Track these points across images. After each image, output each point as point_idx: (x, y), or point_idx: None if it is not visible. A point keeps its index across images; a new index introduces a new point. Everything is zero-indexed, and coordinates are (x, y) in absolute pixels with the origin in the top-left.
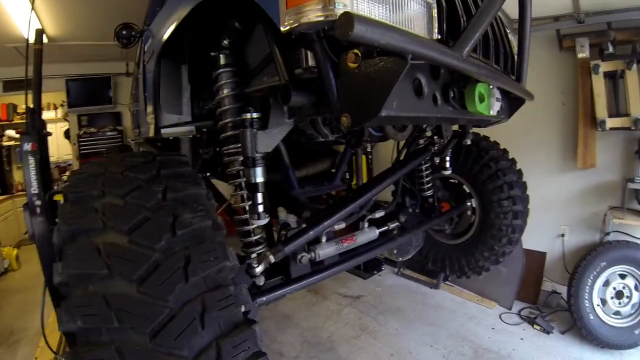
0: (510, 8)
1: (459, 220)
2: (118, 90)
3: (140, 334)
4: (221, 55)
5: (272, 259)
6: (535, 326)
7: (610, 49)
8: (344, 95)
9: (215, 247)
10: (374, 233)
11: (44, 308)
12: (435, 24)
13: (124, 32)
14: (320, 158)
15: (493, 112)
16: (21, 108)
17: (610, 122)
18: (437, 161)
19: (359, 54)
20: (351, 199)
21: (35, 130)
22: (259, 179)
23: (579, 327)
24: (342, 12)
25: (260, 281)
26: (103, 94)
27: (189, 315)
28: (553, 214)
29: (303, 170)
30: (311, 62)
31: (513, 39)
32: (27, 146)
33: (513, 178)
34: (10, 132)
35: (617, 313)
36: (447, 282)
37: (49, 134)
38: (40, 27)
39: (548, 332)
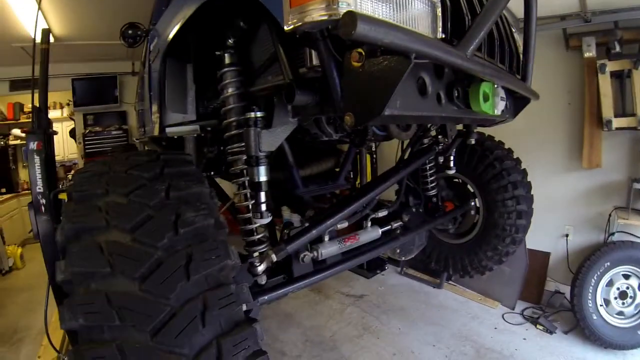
0: (516, 7)
1: (463, 219)
2: (124, 90)
3: (142, 332)
4: (226, 55)
5: (274, 257)
6: (538, 326)
7: (617, 48)
8: (348, 94)
9: (217, 246)
10: (377, 232)
11: (47, 306)
12: (440, 23)
13: (129, 32)
14: (324, 157)
15: (497, 112)
16: (27, 107)
17: (617, 122)
18: (441, 160)
19: (363, 53)
20: (354, 198)
21: (41, 129)
22: (262, 177)
23: (582, 327)
24: (345, 11)
25: (262, 280)
26: (109, 93)
27: (190, 313)
28: (557, 213)
29: (307, 169)
30: (315, 62)
31: (519, 38)
32: (33, 145)
33: (517, 178)
34: (17, 131)
35: (620, 313)
36: (450, 282)
37: (55, 133)
38: (47, 27)
39: (551, 332)
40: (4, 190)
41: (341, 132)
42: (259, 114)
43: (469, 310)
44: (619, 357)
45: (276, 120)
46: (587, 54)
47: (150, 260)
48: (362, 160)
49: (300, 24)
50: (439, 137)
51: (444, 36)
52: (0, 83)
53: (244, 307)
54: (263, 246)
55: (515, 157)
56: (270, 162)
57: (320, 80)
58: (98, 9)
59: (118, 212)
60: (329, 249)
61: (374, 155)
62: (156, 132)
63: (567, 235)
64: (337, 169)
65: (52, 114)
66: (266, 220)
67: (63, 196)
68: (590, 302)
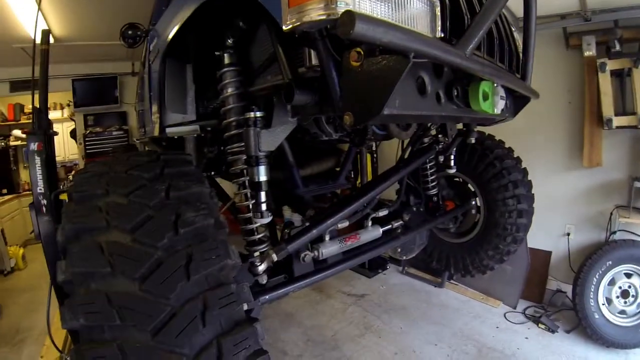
0: (516, 6)
1: (464, 218)
2: (124, 90)
3: (142, 332)
4: (225, 55)
5: (274, 257)
6: (540, 325)
7: (617, 47)
8: (347, 93)
9: (217, 245)
10: (378, 231)
11: (49, 307)
12: (439, 22)
13: (129, 32)
14: (325, 157)
15: (497, 111)
16: (28, 108)
17: (617, 121)
18: (442, 160)
19: (362, 53)
20: (355, 197)
21: (42, 130)
22: (262, 177)
23: (584, 326)
24: (343, 10)
25: (263, 279)
26: (109, 94)
27: (190, 313)
28: (558, 212)
29: (307, 169)
30: (314, 61)
31: (518, 37)
32: (34, 146)
33: (518, 177)
34: (17, 132)
35: (622, 312)
36: (451, 281)
37: (55, 133)
38: (47, 28)
39: (553, 331)
40: (5, 191)
41: (341, 131)
42: (258, 114)
43: (471, 310)
44: (621, 356)
45: (276, 120)
46: (587, 53)
47: (150, 260)
48: (362, 160)
49: (298, 23)
50: (439, 136)
51: (443, 35)
52: (0, 84)
53: (245, 307)
54: (264, 246)
55: (515, 156)
56: (270, 162)
57: (320, 80)
58: (98, 9)
59: (118, 212)
60: (329, 249)
61: (375, 155)
62: (156, 133)
63: (568, 234)
64: (338, 169)
65: (53, 114)
66: (266, 219)
67: (64, 197)
68: (592, 301)
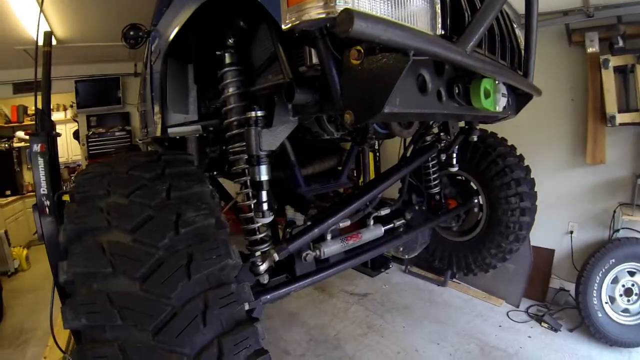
0: (517, 2)
1: (466, 217)
2: (126, 91)
3: (143, 332)
4: (226, 54)
5: (276, 257)
6: (542, 324)
7: (620, 43)
8: (347, 92)
9: (218, 245)
10: (380, 230)
11: (52, 307)
12: (439, 19)
13: (131, 33)
14: (327, 156)
15: (499, 108)
16: (31, 110)
17: (620, 118)
18: (444, 158)
19: (362, 51)
20: (356, 196)
21: (45, 131)
22: (264, 177)
23: (587, 325)
24: (342, 8)
25: (265, 279)
26: (112, 95)
27: (191, 312)
28: (561, 210)
29: (309, 168)
30: (315, 60)
31: (520, 34)
32: (37, 147)
33: (521, 174)
34: (20, 134)
35: (625, 311)
36: (454, 280)
37: (58, 135)
38: (49, 30)
39: (556, 330)
40: (9, 192)
41: (342, 130)
42: (259, 113)
43: (473, 308)
44: (625, 355)
45: (277, 120)
46: (590, 49)
47: (151, 260)
48: (364, 159)
49: (297, 22)
50: (441, 134)
51: (443, 32)
52: (3, 86)
53: (247, 307)
54: (265, 245)
55: (518, 153)
56: (272, 161)
57: (320, 79)
58: (100, 10)
59: (119, 212)
60: (331, 248)
61: (377, 153)
62: (158, 133)
63: (571, 232)
64: (340, 168)
65: (56, 116)
66: (268, 219)
67: (67, 198)
68: (595, 299)
